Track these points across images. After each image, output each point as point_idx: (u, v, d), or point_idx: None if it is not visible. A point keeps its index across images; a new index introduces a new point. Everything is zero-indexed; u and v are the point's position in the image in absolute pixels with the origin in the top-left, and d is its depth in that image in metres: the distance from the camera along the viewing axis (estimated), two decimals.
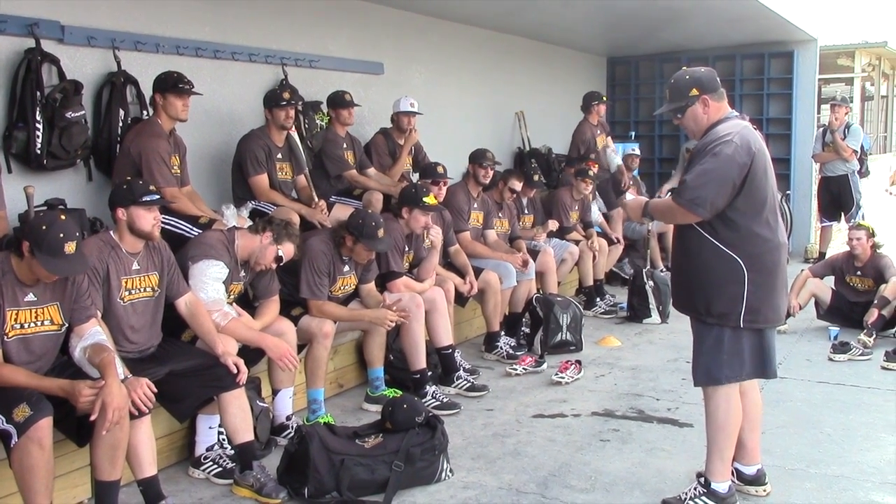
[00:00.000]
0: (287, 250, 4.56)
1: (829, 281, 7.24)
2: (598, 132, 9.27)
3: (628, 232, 9.31)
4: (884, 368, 5.96)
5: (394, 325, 5.09)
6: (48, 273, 3.38)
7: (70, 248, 3.38)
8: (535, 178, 7.76)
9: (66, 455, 3.70)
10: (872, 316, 6.55)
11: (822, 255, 9.79)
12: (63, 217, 3.49)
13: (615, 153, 9.50)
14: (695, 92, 3.59)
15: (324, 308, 4.95)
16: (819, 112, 12.42)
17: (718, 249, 3.51)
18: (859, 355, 6.21)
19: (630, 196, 4.20)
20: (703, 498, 3.67)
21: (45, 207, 4.54)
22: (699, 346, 3.69)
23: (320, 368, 4.88)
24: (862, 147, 10.02)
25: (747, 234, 3.51)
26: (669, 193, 3.66)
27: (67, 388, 3.33)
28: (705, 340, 3.65)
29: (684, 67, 3.75)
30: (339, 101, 6.33)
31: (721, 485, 3.67)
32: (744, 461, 3.88)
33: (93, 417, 3.27)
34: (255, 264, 4.52)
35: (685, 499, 3.71)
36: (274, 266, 4.58)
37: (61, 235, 3.35)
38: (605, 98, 9.59)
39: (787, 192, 10.64)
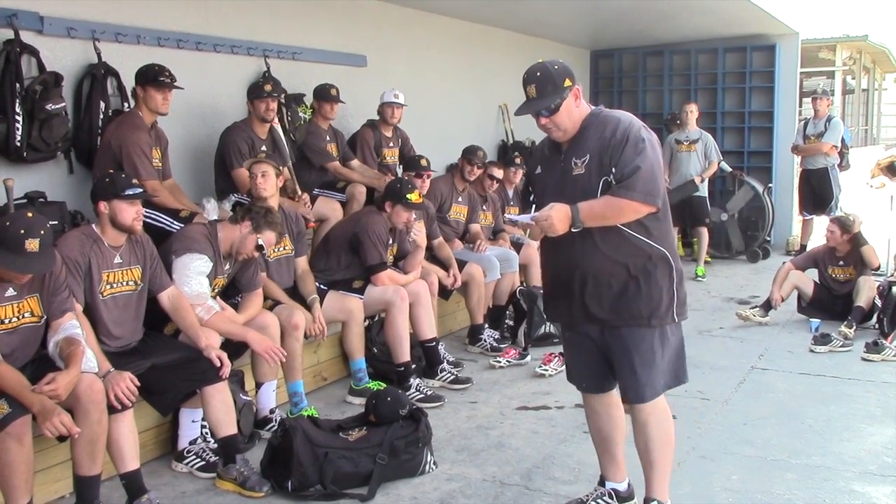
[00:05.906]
0: (267, 238, 4.52)
1: (811, 273, 7.29)
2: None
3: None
4: (864, 360, 6.00)
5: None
6: (6, 269, 3.30)
7: (32, 245, 3.27)
8: (517, 160, 7.68)
9: (46, 450, 3.68)
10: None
11: (803, 247, 9.83)
12: (31, 215, 3.39)
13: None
14: (568, 83, 3.18)
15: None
16: (801, 105, 12.47)
17: (649, 247, 3.23)
18: (840, 347, 6.26)
19: (510, 215, 3.57)
20: None
21: (25, 200, 4.51)
22: (641, 356, 3.29)
23: (296, 360, 4.84)
24: (843, 140, 10.08)
25: (667, 225, 3.29)
26: (601, 192, 3.18)
27: (41, 411, 3.20)
28: (650, 347, 3.29)
29: (541, 61, 3.25)
30: (324, 94, 6.31)
31: (668, 501, 3.50)
32: (617, 478, 3.62)
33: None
34: (237, 254, 4.50)
35: None
36: (256, 255, 4.55)
37: (22, 232, 3.26)
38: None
39: (770, 185, 10.67)
